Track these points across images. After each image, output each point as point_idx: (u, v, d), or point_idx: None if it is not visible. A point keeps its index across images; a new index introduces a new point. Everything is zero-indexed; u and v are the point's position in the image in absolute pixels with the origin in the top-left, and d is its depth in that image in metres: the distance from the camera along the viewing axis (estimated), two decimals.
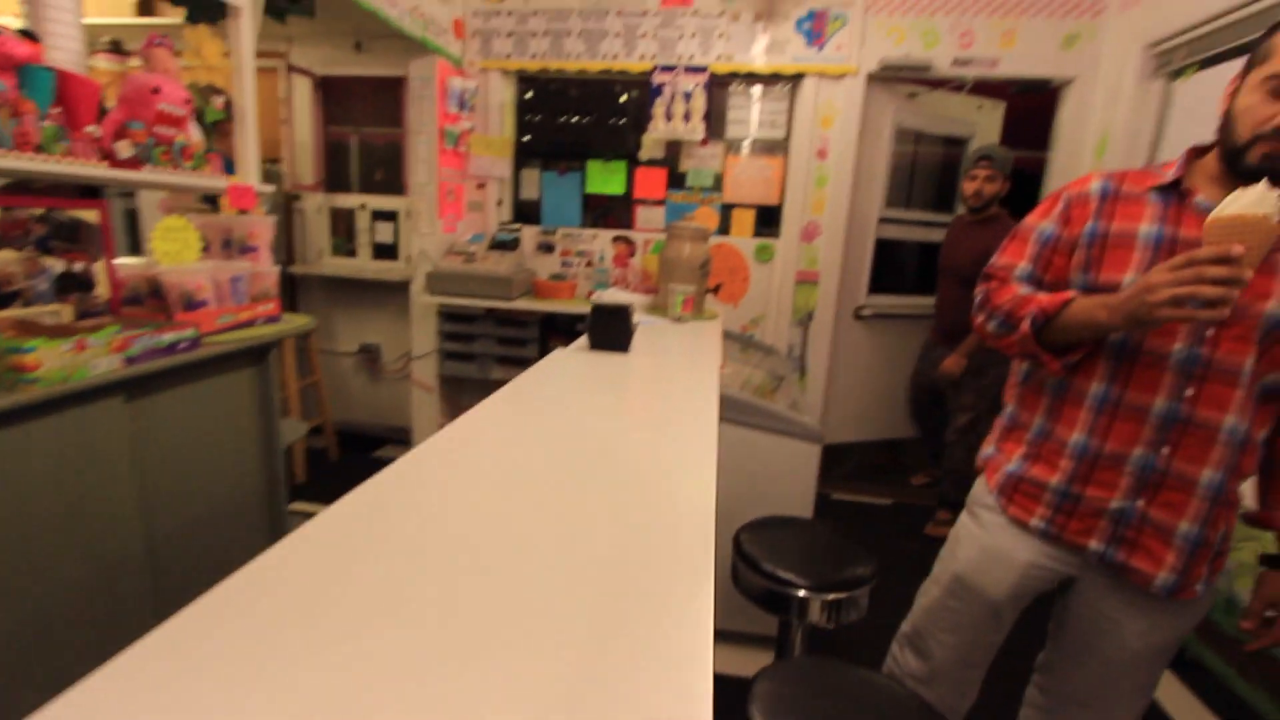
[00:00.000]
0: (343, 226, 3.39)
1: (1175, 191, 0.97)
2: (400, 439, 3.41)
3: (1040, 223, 1.07)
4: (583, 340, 1.79)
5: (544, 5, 3.00)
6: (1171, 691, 1.84)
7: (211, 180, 1.54)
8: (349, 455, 3.26)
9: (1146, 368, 0.96)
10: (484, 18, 3.05)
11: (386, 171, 3.41)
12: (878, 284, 3.15)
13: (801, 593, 1.25)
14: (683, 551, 0.65)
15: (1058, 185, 2.86)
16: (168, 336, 1.28)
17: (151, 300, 1.50)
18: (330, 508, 0.68)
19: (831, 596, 1.25)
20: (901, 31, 2.82)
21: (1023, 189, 3.00)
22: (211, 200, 2.76)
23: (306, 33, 3.08)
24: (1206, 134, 1.00)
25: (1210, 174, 0.96)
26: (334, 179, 3.43)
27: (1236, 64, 2.11)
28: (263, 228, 1.69)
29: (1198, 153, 1.01)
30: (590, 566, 0.61)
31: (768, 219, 3.12)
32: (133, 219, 2.69)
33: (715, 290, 3.09)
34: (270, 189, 1.75)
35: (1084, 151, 2.78)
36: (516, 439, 0.97)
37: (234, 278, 1.55)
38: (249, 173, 1.69)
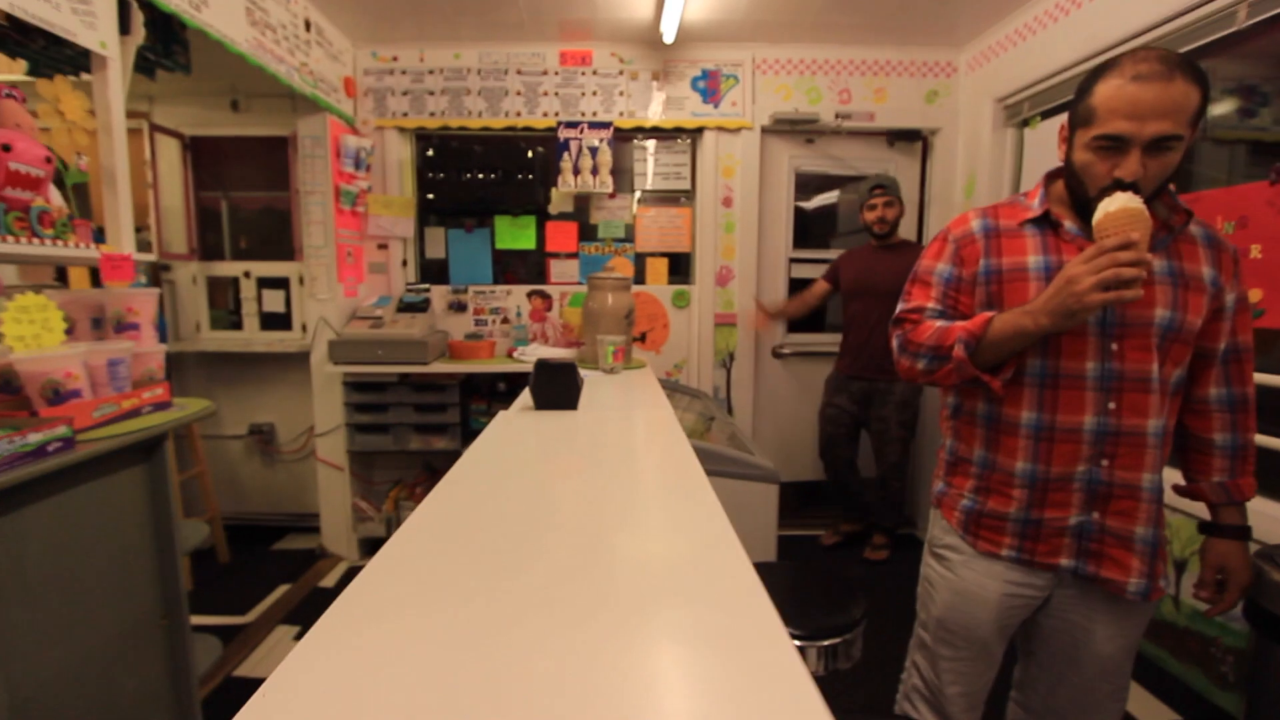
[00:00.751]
0: (222, 297, 3.07)
1: (1047, 223, 1.07)
2: (306, 526, 3.05)
3: (937, 264, 1.14)
4: (524, 400, 1.69)
5: (440, 64, 2.95)
6: None
7: (80, 251, 1.32)
8: (243, 553, 2.86)
9: (1069, 389, 1.02)
10: (376, 76, 2.95)
11: (270, 236, 3.14)
12: (795, 323, 3.26)
13: (798, 643, 1.19)
14: (749, 624, 0.58)
15: (936, 223, 3.18)
16: (34, 438, 1.05)
17: (2, 396, 1.24)
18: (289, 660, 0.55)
19: (828, 642, 1.21)
20: (789, 89, 3.03)
21: None
22: (60, 274, 2.40)
23: (173, 91, 2.82)
24: None
25: (1066, 201, 1.07)
26: (209, 246, 3.11)
27: None
28: (144, 301, 1.47)
29: (1051, 178, 1.12)
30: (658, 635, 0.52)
31: (681, 266, 3.19)
32: None
33: (641, 338, 3.08)
34: (150, 257, 1.53)
35: (954, 192, 3.09)
36: (507, 521, 0.86)
37: (112, 361, 1.32)
38: (124, 240, 1.47)
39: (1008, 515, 1.08)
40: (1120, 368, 1.00)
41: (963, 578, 1.15)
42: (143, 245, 2.78)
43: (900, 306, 1.16)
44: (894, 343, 1.15)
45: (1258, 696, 1.25)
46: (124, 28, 1.57)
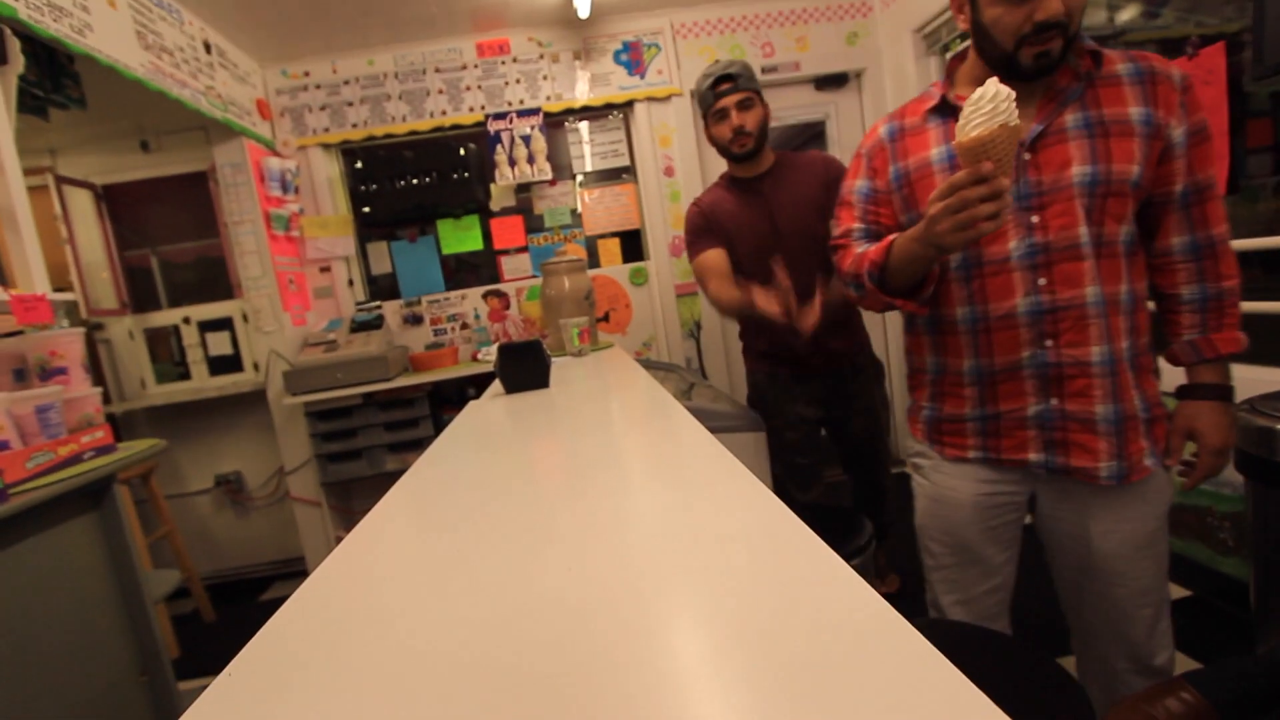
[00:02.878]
0: (164, 348, 2.92)
1: (948, 108, 1.00)
2: (292, 572, 2.92)
3: (856, 182, 1.11)
4: (494, 389, 1.64)
5: (355, 73, 2.85)
6: None
7: None
8: (229, 611, 2.73)
9: (994, 275, 0.97)
10: (290, 94, 2.83)
11: (205, 277, 3.01)
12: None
13: None
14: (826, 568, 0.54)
15: None
16: None
17: None
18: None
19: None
20: (711, 50, 3.02)
21: None
22: None
23: (76, 140, 2.68)
24: None
25: (975, 78, 0.98)
26: (142, 297, 2.96)
27: None
28: (68, 343, 1.36)
29: (958, 60, 1.04)
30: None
31: (634, 243, 3.15)
32: None
33: (605, 318, 3.03)
34: (69, 297, 1.43)
35: None
36: (494, 489, 0.80)
37: (40, 407, 1.22)
38: (34, 280, 1.37)
39: (964, 416, 1.04)
40: (1045, 240, 0.93)
41: (936, 483, 1.11)
42: (67, 306, 2.63)
43: (831, 234, 1.13)
44: (837, 270, 1.13)
45: (1264, 547, 1.26)
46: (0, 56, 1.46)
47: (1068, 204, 0.92)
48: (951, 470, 1.08)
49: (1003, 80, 0.87)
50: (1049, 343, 0.95)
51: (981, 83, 0.93)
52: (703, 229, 1.88)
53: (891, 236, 0.97)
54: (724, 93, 1.73)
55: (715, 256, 1.84)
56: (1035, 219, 0.94)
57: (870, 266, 1.00)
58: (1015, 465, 1.02)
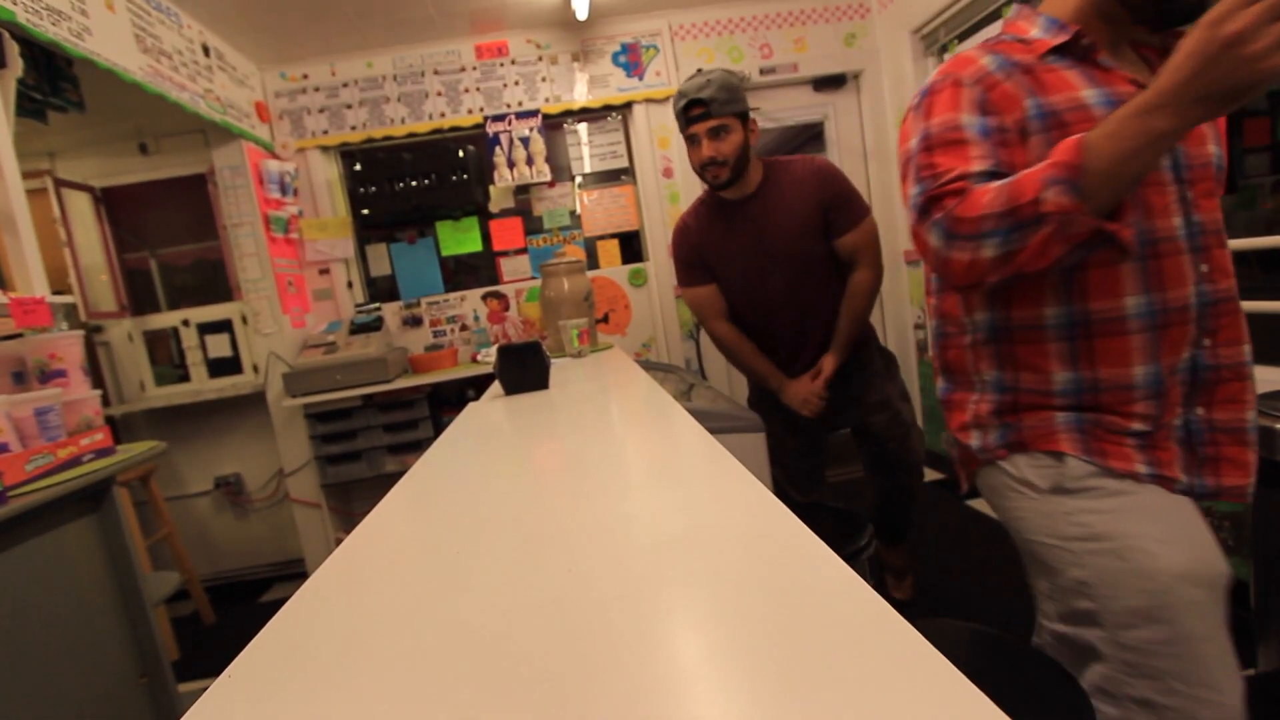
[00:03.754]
0: (164, 350, 2.92)
1: (1077, 49, 0.81)
2: (291, 574, 2.92)
3: (961, 116, 0.81)
4: (493, 390, 1.64)
5: (353, 75, 2.86)
6: None
7: None
8: (228, 612, 2.72)
9: (1170, 255, 0.79)
10: (289, 97, 2.84)
11: (205, 280, 3.01)
12: None
13: None
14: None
15: (873, 166, 3.19)
16: None
17: None
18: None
19: None
20: (710, 52, 3.02)
21: None
22: None
23: (75, 143, 2.67)
24: None
25: (1080, 17, 0.83)
26: (141, 299, 2.96)
27: (990, 31, 2.49)
28: (67, 346, 1.36)
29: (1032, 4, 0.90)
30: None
31: (633, 244, 3.15)
32: None
33: (604, 319, 3.03)
34: (68, 299, 1.43)
35: (887, 128, 3.12)
36: (493, 492, 0.80)
37: (40, 410, 1.22)
38: (33, 283, 1.37)
39: (1129, 430, 0.82)
40: (1200, 219, 0.79)
41: (1151, 491, 0.80)
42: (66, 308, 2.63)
43: (923, 187, 0.80)
44: (932, 237, 0.79)
45: (1264, 547, 1.26)
46: None
47: (1209, 184, 0.81)
48: (1157, 482, 0.82)
49: (1137, 26, 0.81)
50: (1207, 341, 0.81)
51: (1090, 21, 0.81)
52: (694, 263, 1.86)
53: (1078, 135, 0.70)
54: (696, 118, 1.59)
55: (710, 296, 1.86)
56: (1190, 194, 0.79)
57: (1067, 173, 0.68)
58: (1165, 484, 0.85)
